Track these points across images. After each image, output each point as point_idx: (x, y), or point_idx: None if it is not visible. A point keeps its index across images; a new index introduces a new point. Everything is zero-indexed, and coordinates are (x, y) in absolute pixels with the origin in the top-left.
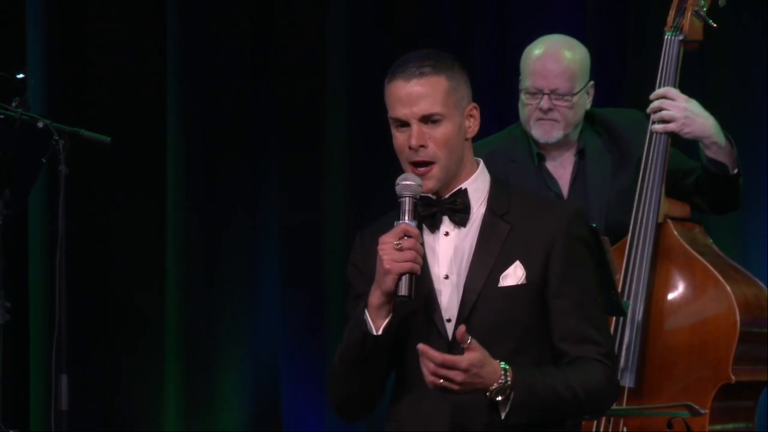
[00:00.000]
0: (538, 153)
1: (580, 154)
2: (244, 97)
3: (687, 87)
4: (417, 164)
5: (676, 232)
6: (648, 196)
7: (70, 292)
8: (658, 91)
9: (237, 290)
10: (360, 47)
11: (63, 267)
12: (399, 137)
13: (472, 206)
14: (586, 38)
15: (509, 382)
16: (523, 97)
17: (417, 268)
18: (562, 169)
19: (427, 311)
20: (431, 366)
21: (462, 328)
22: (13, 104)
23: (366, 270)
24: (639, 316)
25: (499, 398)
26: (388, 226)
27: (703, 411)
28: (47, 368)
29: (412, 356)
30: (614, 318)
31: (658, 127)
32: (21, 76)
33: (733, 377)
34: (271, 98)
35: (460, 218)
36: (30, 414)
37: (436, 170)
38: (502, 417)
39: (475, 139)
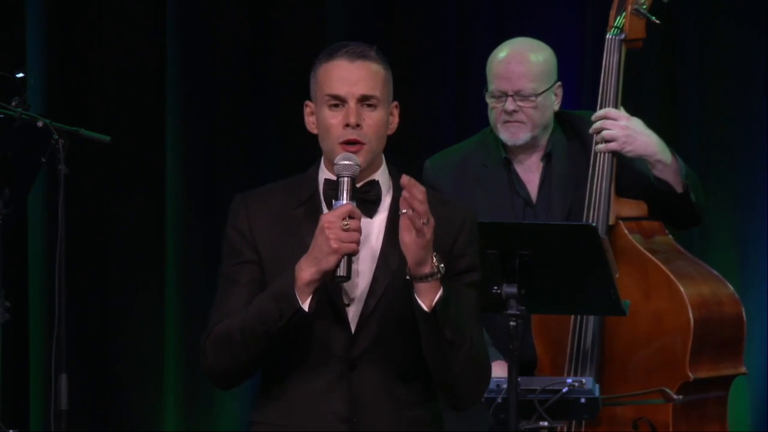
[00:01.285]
0: (505, 157)
1: (547, 158)
2: (244, 96)
3: (686, 89)
4: (349, 142)
5: (628, 233)
6: (597, 198)
7: (70, 291)
8: (599, 112)
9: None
10: None
11: (63, 266)
12: (331, 116)
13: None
14: (586, 42)
15: (442, 269)
16: (488, 101)
17: (357, 249)
18: (531, 173)
19: (328, 294)
20: (405, 194)
21: (407, 177)
22: (13, 103)
23: (254, 236)
24: (596, 319)
25: (429, 281)
26: (274, 195)
27: (677, 397)
28: (47, 368)
29: (309, 335)
30: (572, 324)
31: (600, 146)
32: (20, 75)
33: (691, 375)
34: (271, 97)
35: (370, 208)
36: (30, 413)
37: (365, 150)
38: (427, 309)
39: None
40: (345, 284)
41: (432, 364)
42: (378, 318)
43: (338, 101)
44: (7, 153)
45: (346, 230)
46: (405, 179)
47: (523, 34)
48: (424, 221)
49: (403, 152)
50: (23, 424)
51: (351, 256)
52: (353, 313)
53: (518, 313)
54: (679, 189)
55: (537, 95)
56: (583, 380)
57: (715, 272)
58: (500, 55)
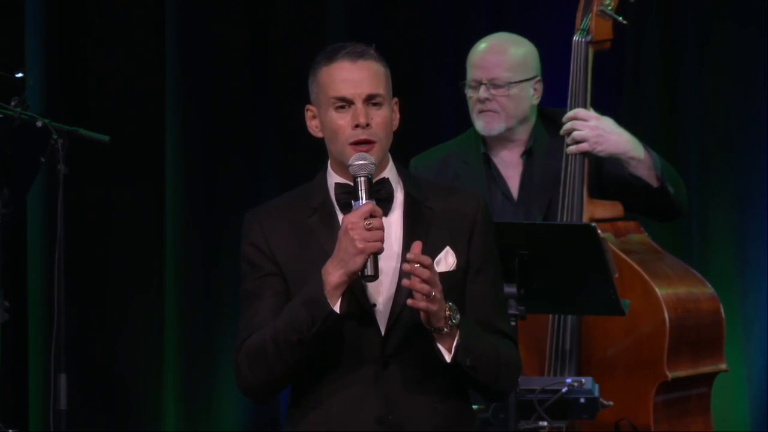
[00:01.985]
0: (484, 153)
1: (528, 154)
2: (244, 97)
3: (686, 89)
4: (360, 143)
5: (602, 235)
6: (570, 200)
7: (70, 291)
8: (569, 114)
9: (236, 290)
10: None
11: (62, 266)
12: (338, 117)
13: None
14: None
15: (456, 314)
16: (466, 92)
17: (382, 247)
18: (511, 169)
19: (355, 296)
20: (407, 266)
21: (417, 245)
22: (12, 103)
23: (271, 250)
24: (574, 321)
25: (445, 331)
26: (284, 207)
27: (607, 403)
28: (46, 367)
29: (340, 340)
30: (551, 324)
31: (571, 148)
32: (20, 75)
33: (669, 375)
34: (271, 97)
35: (383, 206)
36: (29, 413)
37: (377, 149)
38: (448, 360)
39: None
40: (370, 285)
41: (464, 384)
42: (407, 315)
43: (345, 103)
44: (6, 153)
45: (369, 230)
46: (411, 255)
47: (522, 34)
48: (432, 294)
49: (403, 152)
50: (23, 424)
51: (376, 254)
52: (382, 312)
53: (518, 313)
54: (654, 184)
55: (510, 84)
56: (583, 380)
57: (693, 271)
58: (479, 47)
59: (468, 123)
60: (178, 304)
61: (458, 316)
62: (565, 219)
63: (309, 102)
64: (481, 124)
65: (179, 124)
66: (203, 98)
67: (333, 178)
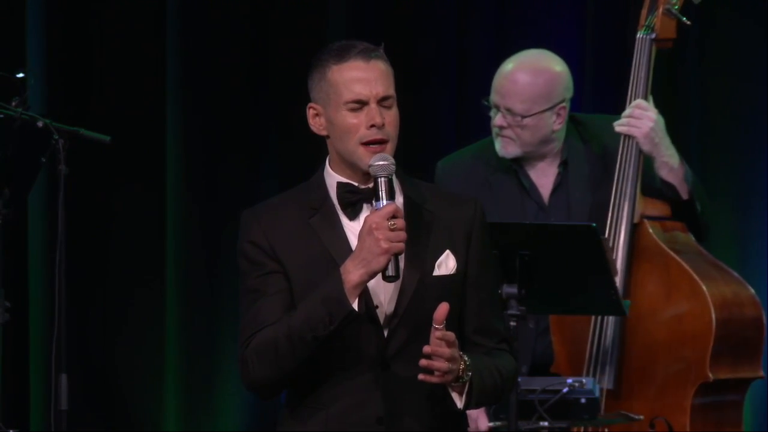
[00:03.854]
0: (514, 161)
1: (564, 165)
2: (244, 96)
3: (686, 88)
4: (373, 143)
5: (652, 232)
6: (622, 196)
7: (70, 291)
8: (634, 102)
9: (237, 290)
10: None
11: (63, 266)
12: (352, 117)
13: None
14: (585, 44)
15: (469, 369)
16: (489, 111)
17: (404, 248)
18: (544, 178)
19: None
20: (427, 348)
21: (444, 306)
22: (13, 103)
23: (273, 248)
24: (617, 318)
25: (455, 384)
26: (283, 206)
27: (637, 417)
28: (47, 368)
29: (341, 339)
30: (592, 322)
31: (621, 128)
32: (21, 75)
33: (711, 375)
34: (272, 98)
35: None
36: (30, 413)
37: (389, 148)
38: (460, 406)
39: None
40: (372, 286)
41: None
42: (410, 316)
43: (360, 104)
44: (7, 153)
45: (393, 230)
46: (439, 334)
47: (523, 36)
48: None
49: (403, 154)
50: (23, 424)
51: (398, 255)
52: (384, 313)
53: (518, 313)
54: (684, 195)
55: (525, 117)
56: (583, 380)
57: (735, 274)
58: (504, 68)
59: (468, 124)
60: (179, 304)
61: (470, 372)
62: (616, 214)
63: (309, 100)
64: (498, 146)
65: (180, 124)
66: (203, 98)
67: (333, 178)
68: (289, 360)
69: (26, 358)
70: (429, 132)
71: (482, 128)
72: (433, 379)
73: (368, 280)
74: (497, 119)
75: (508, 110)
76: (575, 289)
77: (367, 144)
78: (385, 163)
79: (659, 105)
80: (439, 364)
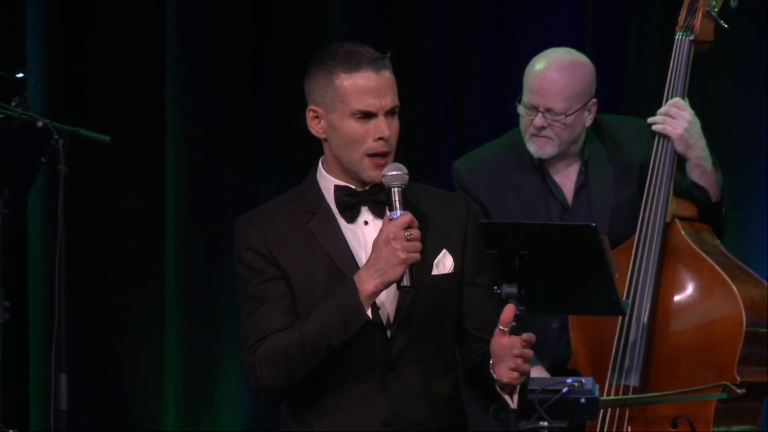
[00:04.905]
0: (539, 161)
1: (585, 165)
2: (244, 96)
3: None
4: (378, 155)
5: (683, 232)
6: (655, 195)
7: (70, 291)
8: (671, 101)
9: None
10: None
11: (63, 266)
12: (359, 126)
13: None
14: (585, 44)
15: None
16: (519, 110)
17: (420, 258)
18: (566, 178)
19: None
20: (516, 351)
21: (510, 308)
22: (13, 103)
23: (272, 253)
24: (645, 315)
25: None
26: (278, 211)
27: (740, 391)
28: (47, 368)
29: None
30: (620, 317)
31: (657, 126)
32: (20, 75)
33: (738, 378)
34: (272, 98)
35: (381, 209)
36: (29, 413)
37: (391, 158)
38: (514, 406)
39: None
40: None
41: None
42: (413, 317)
43: (369, 116)
44: (7, 153)
45: (409, 240)
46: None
47: (523, 37)
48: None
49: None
50: (23, 424)
51: (413, 265)
52: (387, 315)
53: (518, 313)
54: (714, 198)
55: (568, 115)
56: (583, 380)
57: (761, 278)
58: (537, 68)
59: (468, 125)
60: (179, 305)
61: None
62: (649, 213)
63: (304, 102)
64: (533, 148)
65: (180, 125)
66: (203, 98)
67: (329, 181)
68: (300, 367)
69: (26, 358)
70: (429, 133)
71: (482, 129)
72: (515, 382)
73: (383, 290)
74: (538, 120)
75: (549, 110)
76: (575, 288)
77: (372, 156)
78: (399, 173)
79: (658, 105)
80: (525, 366)
